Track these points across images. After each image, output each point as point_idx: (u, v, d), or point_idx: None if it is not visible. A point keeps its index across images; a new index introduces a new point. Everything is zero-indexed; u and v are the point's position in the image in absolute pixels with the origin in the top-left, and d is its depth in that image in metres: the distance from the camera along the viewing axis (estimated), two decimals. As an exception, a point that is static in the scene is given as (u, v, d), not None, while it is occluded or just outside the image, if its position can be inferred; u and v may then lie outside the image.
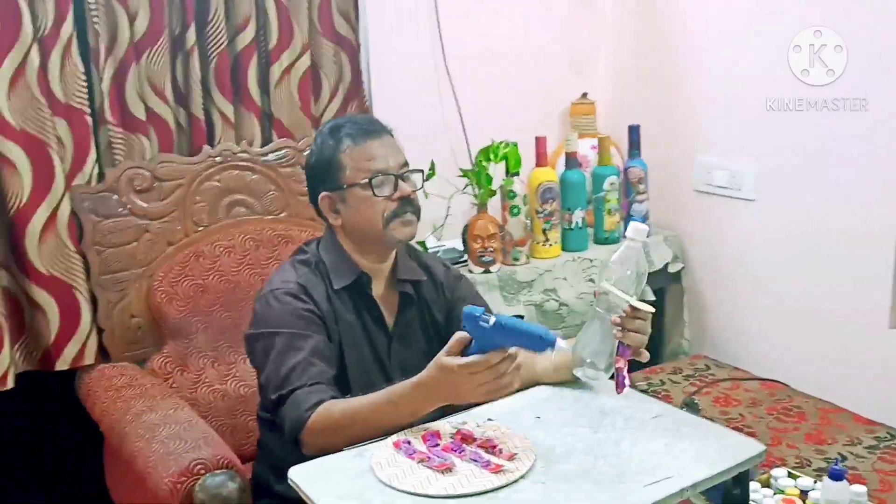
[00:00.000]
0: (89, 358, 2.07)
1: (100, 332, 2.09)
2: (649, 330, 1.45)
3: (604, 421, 1.45)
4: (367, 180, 1.62)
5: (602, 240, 2.60)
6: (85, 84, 2.05)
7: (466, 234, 2.38)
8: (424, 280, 1.78)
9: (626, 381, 1.44)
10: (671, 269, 2.66)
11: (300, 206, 2.29)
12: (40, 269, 1.98)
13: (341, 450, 1.41)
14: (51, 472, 2.42)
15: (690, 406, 2.23)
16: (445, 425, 1.45)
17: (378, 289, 1.72)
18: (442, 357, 1.38)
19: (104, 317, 2.09)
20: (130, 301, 2.11)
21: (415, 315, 1.76)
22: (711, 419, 2.15)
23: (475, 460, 1.34)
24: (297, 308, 1.61)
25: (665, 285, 2.69)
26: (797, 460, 1.97)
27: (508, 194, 2.41)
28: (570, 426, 1.45)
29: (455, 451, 1.37)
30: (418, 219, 1.69)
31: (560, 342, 1.33)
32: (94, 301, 2.08)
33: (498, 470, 1.30)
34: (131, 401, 1.88)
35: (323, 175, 1.67)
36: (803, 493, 1.74)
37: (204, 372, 2.12)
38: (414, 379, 1.41)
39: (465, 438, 1.41)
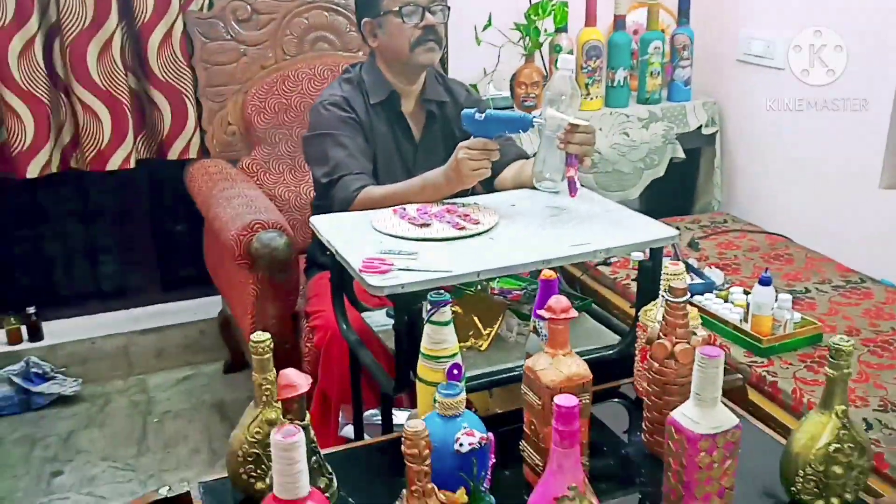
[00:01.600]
0: (193, 153, 2.58)
1: (202, 133, 2.59)
2: (592, 140, 1.77)
3: (563, 211, 1.81)
4: (398, 8, 1.98)
5: (644, 100, 2.87)
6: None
7: (514, 80, 2.71)
8: (448, 101, 2.15)
9: (577, 186, 1.76)
10: (705, 132, 2.90)
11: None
12: (158, 76, 2.49)
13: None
14: (164, 251, 3.01)
15: (692, 245, 2.55)
16: (436, 205, 1.85)
17: (408, 106, 2.11)
18: (458, 149, 1.78)
19: (206, 121, 2.59)
20: (228, 111, 2.60)
21: (438, 130, 2.14)
22: (707, 258, 2.48)
23: (450, 223, 1.74)
24: (342, 115, 2.03)
25: (700, 146, 2.95)
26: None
27: (555, 48, 2.71)
28: (534, 215, 1.81)
29: (438, 217, 1.78)
30: (440, 47, 2.04)
31: (538, 119, 1.72)
32: (199, 108, 2.57)
33: (462, 228, 1.70)
34: (220, 182, 2.38)
35: (366, 2, 2.04)
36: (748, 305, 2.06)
37: (283, 175, 2.60)
38: (436, 170, 1.83)
39: (450, 210, 1.81)
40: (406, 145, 2.12)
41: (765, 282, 1.91)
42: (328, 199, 1.98)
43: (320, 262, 2.18)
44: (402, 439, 1.05)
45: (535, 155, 1.87)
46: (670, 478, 1.24)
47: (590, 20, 2.75)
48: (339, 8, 2.68)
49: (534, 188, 1.91)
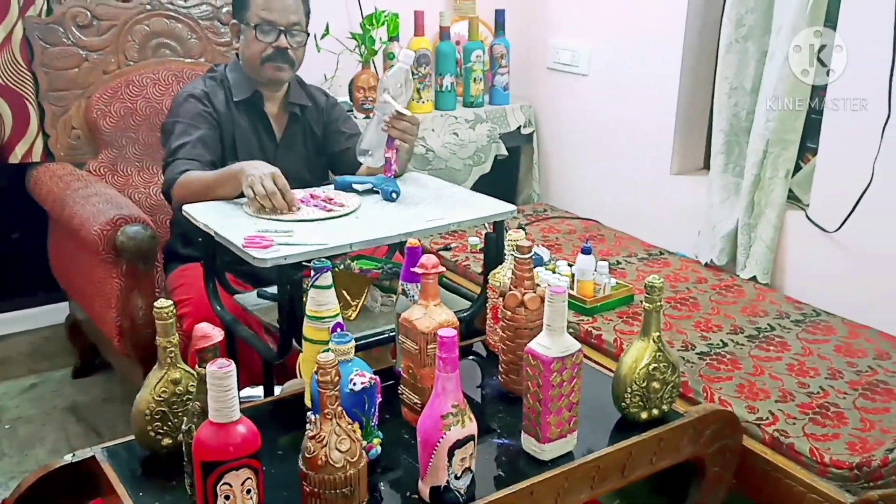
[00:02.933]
0: (36, 156, 2.59)
1: (46, 137, 2.60)
2: (414, 131, 2.01)
3: (417, 191, 2.04)
4: (255, 24, 2.14)
5: (469, 103, 3.17)
6: (38, -69, 2.51)
7: (352, 85, 2.92)
8: (309, 105, 2.32)
9: (393, 166, 2.00)
10: (524, 131, 3.25)
11: (216, 53, 2.81)
12: (-2, 80, 2.48)
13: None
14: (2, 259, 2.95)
15: (520, 229, 2.85)
16: (301, 191, 2.02)
17: (272, 108, 2.27)
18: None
19: (49, 125, 2.60)
20: (71, 115, 2.62)
21: (298, 130, 2.32)
22: (534, 240, 2.79)
23: (317, 206, 1.92)
24: (198, 107, 2.16)
25: (520, 144, 3.29)
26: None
27: (389, 56, 2.95)
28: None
29: (305, 202, 1.95)
30: (292, 68, 2.20)
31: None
32: (41, 112, 2.58)
33: (329, 210, 1.88)
34: (73, 183, 2.42)
35: (237, 5, 2.19)
36: (573, 275, 2.38)
37: (131, 177, 2.65)
38: (235, 165, 1.95)
39: (314, 196, 1.99)
40: (267, 142, 2.27)
41: (586, 251, 2.23)
42: (163, 178, 2.11)
43: (182, 254, 2.28)
44: (317, 369, 1.23)
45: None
46: (529, 399, 1.49)
47: (418, 30, 3.02)
48: (178, 16, 2.77)
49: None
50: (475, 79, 3.14)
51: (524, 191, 3.36)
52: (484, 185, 3.21)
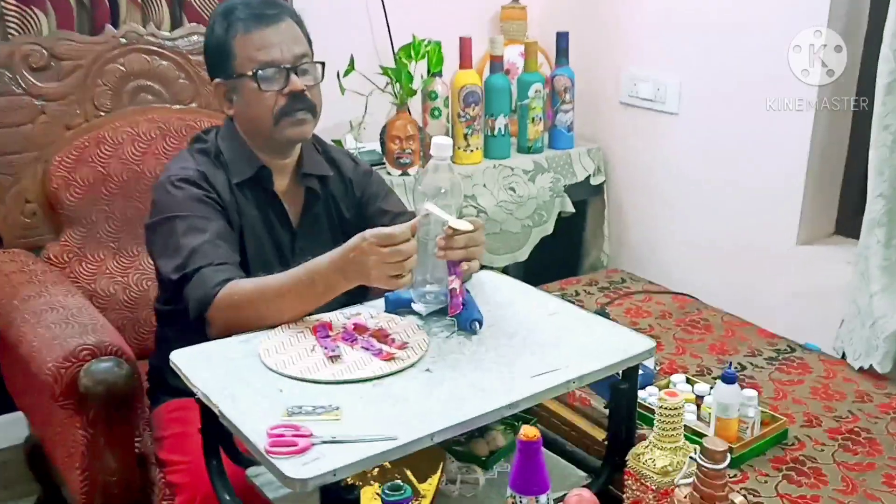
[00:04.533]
0: (-23, 243, 1.97)
1: (-10, 216, 1.99)
2: (480, 240, 1.40)
3: (499, 314, 1.43)
4: (254, 72, 1.53)
5: (525, 148, 2.56)
6: (-28, -53, 1.90)
7: (385, 134, 2.32)
8: (331, 175, 1.71)
9: (460, 300, 1.36)
10: (594, 182, 2.64)
11: (211, 96, 2.19)
12: (-77, 146, 1.86)
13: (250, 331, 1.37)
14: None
15: (601, 314, 2.25)
16: (339, 316, 1.42)
17: (281, 184, 1.66)
18: (364, 232, 1.33)
19: (-5, 200, 1.98)
20: (25, 185, 2.00)
21: (321, 211, 1.70)
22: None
23: (366, 349, 1.31)
24: (198, 193, 1.55)
25: (587, 197, 2.68)
26: (699, 369, 2.00)
27: (430, 95, 2.34)
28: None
29: (347, 340, 1.34)
30: (314, 116, 1.60)
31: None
32: (-17, 183, 1.97)
33: (389, 358, 1.28)
34: (20, 286, 1.79)
35: (215, 61, 1.58)
36: (699, 398, 1.77)
37: (104, 263, 2.04)
38: (330, 252, 1.37)
39: (358, 328, 1.38)
40: (282, 232, 1.66)
41: (729, 379, 1.62)
42: (181, 301, 1.48)
43: (172, 385, 1.67)
44: None
45: None
46: None
47: (465, 62, 2.41)
48: (162, 50, 2.16)
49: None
50: (533, 118, 2.54)
51: (591, 253, 2.75)
52: (544, 250, 2.61)
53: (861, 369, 2.00)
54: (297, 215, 1.68)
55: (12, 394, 1.99)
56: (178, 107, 2.18)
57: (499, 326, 1.39)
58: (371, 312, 1.43)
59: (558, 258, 2.71)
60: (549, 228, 2.57)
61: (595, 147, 2.66)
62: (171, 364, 1.29)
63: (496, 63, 2.46)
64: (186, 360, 1.28)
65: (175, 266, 1.49)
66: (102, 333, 1.59)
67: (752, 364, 2.03)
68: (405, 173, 2.32)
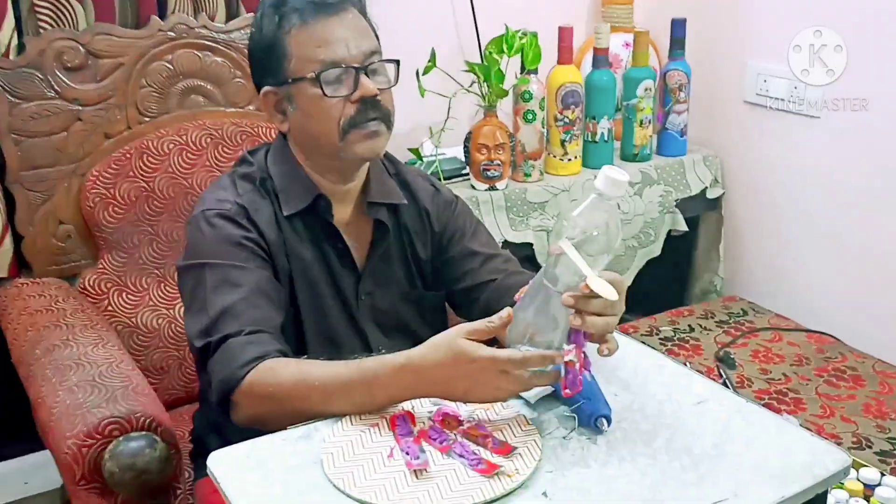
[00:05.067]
0: (2, 270, 1.71)
1: (18, 239, 1.73)
2: (618, 313, 1.05)
3: (630, 404, 1.10)
4: (315, 74, 1.21)
5: (630, 156, 2.20)
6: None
7: (469, 141, 1.99)
8: (405, 204, 1.39)
9: (579, 381, 1.02)
10: (710, 195, 2.26)
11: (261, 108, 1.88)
12: (-61, 160, 1.61)
13: (282, 425, 1.06)
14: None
15: (725, 361, 1.91)
16: (422, 402, 1.10)
17: (343, 214, 1.34)
18: (460, 338, 1.01)
19: (24, 222, 1.72)
20: (57, 204, 1.74)
21: (392, 249, 1.38)
22: (749, 380, 1.83)
23: (462, 455, 0.99)
24: (235, 235, 1.24)
25: (700, 213, 2.30)
26: (854, 439, 1.64)
27: (523, 96, 2.00)
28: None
29: (435, 440, 1.02)
30: (389, 128, 1.28)
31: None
32: (10, 202, 1.71)
33: (490, 472, 0.96)
34: (45, 331, 1.52)
35: (264, 63, 1.27)
36: (867, 488, 1.41)
37: (147, 293, 1.77)
38: (403, 357, 1.05)
39: (448, 420, 1.06)
40: (343, 274, 1.34)
41: (923, 479, 1.25)
42: (206, 372, 1.19)
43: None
44: None
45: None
46: None
47: (564, 56, 2.06)
48: (216, 45, 1.87)
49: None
50: (641, 121, 2.17)
51: (703, 277, 2.37)
52: (649, 273, 2.25)
53: None
54: (362, 253, 1.36)
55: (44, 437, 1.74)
56: (232, 110, 1.89)
57: (631, 422, 1.06)
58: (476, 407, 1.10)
59: (663, 282, 2.34)
60: (656, 250, 2.21)
61: (712, 154, 2.28)
62: (208, 471, 0.99)
63: (600, 57, 2.10)
64: (227, 469, 0.98)
65: (200, 330, 1.19)
66: (134, 400, 1.30)
67: (921, 434, 1.66)
68: (492, 188, 1.99)
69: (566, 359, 1.02)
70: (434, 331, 1.41)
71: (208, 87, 1.87)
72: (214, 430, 1.38)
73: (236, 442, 1.03)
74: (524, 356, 0.99)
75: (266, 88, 1.28)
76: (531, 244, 2.01)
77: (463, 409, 1.08)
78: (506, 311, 1.01)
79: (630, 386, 1.14)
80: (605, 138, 2.13)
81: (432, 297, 1.42)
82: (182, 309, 1.73)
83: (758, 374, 1.87)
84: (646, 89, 2.14)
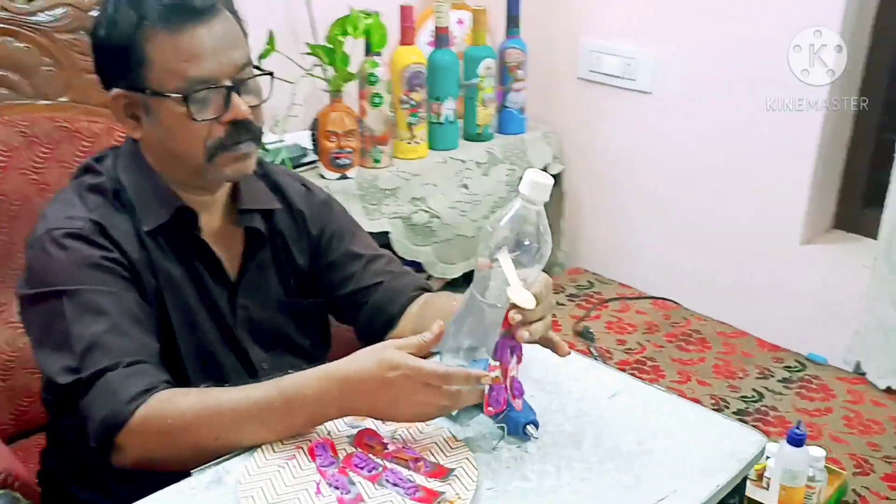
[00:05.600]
0: None
1: None
2: (549, 312, 1.02)
3: (549, 404, 1.08)
4: (182, 95, 1.07)
5: (474, 135, 2.18)
6: None
7: (316, 129, 1.88)
8: (279, 209, 1.27)
9: (504, 398, 0.97)
10: (551, 171, 2.29)
11: (89, 87, 1.66)
12: None
13: (177, 465, 0.95)
14: None
15: (585, 336, 1.96)
16: (339, 426, 1.02)
17: (210, 224, 1.20)
18: (388, 349, 0.94)
19: None
20: None
21: (267, 257, 1.26)
22: (609, 352, 1.89)
23: (396, 484, 0.93)
24: (92, 255, 1.08)
25: (541, 189, 2.33)
26: (713, 401, 1.74)
27: (369, 79, 1.91)
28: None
29: (362, 468, 0.95)
30: (258, 145, 1.16)
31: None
32: None
33: (432, 500, 0.90)
34: None
35: (116, 63, 1.10)
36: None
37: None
38: (325, 369, 0.96)
39: (371, 445, 0.99)
40: (217, 291, 1.21)
41: (798, 441, 1.34)
42: (73, 416, 1.04)
43: (82, 499, 1.22)
44: None
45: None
46: None
47: (406, 36, 1.99)
48: (20, 28, 1.62)
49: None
50: (483, 100, 2.16)
51: (547, 251, 2.41)
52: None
53: (889, 389, 1.79)
54: (234, 265, 1.23)
55: None
56: (44, 102, 1.66)
57: (555, 424, 1.04)
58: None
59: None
60: (505, 229, 2.22)
61: (551, 131, 2.31)
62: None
63: (442, 36, 2.05)
64: None
65: (64, 367, 1.03)
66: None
67: (768, 390, 1.79)
68: (344, 176, 1.90)
69: (492, 374, 0.98)
70: (316, 342, 1.34)
71: (13, 76, 1.63)
72: (76, 475, 1.21)
73: (111, 486, 0.90)
74: (447, 371, 0.94)
75: (116, 91, 1.11)
76: (388, 232, 1.95)
77: (383, 429, 1.01)
78: (437, 325, 0.95)
79: (544, 385, 1.12)
80: (451, 119, 2.10)
81: (312, 305, 1.32)
82: (6, 330, 1.54)
83: (615, 346, 1.93)
84: (486, 68, 2.13)
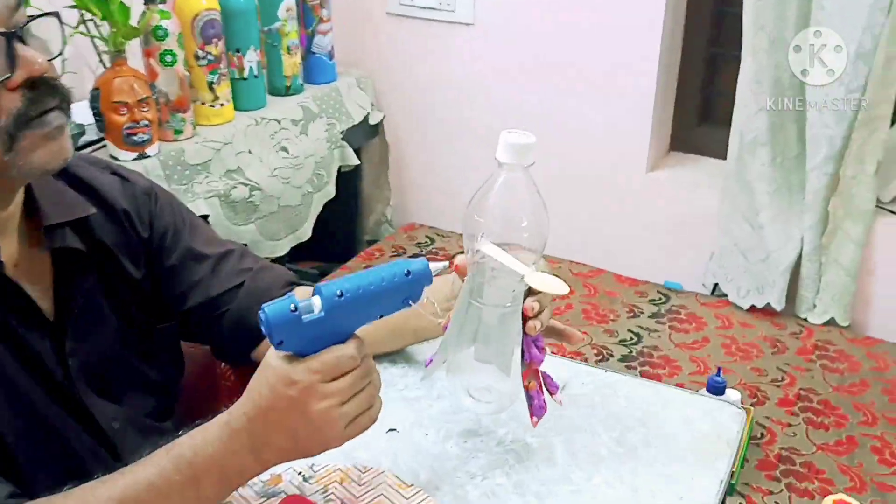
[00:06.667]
0: None
1: None
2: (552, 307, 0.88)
3: (524, 435, 0.89)
4: None
5: (283, 90, 1.90)
6: None
7: (98, 101, 1.52)
8: (94, 214, 0.95)
9: (543, 404, 0.84)
10: (372, 121, 2.06)
11: None
12: None
13: None
14: None
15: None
16: (291, 475, 0.77)
17: (7, 252, 0.87)
18: (273, 362, 0.71)
19: None
20: None
21: (91, 282, 0.95)
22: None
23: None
24: None
25: (362, 143, 2.09)
26: (596, 352, 1.64)
27: (155, 33, 1.56)
28: (476, 456, 0.86)
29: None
30: (69, 117, 0.85)
31: (433, 265, 0.72)
32: None
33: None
34: None
35: None
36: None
37: None
38: (220, 420, 0.71)
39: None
40: (35, 340, 0.89)
41: (719, 389, 1.26)
42: None
43: None
44: None
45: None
46: None
47: (191, -23, 1.65)
48: None
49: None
50: (288, 47, 1.87)
51: (374, 209, 2.19)
52: (325, 218, 2.01)
53: (753, 307, 1.78)
54: (49, 299, 0.91)
55: None
56: None
57: (533, 460, 0.86)
58: (336, 465, 0.80)
59: (336, 224, 2.11)
60: (331, 191, 1.97)
61: (365, 76, 2.07)
62: None
63: (233, -25, 1.73)
64: None
65: None
66: None
67: (643, 328, 1.72)
68: (143, 155, 1.56)
69: (525, 382, 0.82)
70: (168, 373, 1.05)
71: None
72: None
73: None
74: (338, 354, 0.71)
75: None
76: (207, 216, 1.64)
77: (338, 489, 0.77)
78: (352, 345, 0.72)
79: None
80: (255, 73, 1.80)
81: (162, 330, 1.03)
82: None
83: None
84: (287, 9, 1.84)
